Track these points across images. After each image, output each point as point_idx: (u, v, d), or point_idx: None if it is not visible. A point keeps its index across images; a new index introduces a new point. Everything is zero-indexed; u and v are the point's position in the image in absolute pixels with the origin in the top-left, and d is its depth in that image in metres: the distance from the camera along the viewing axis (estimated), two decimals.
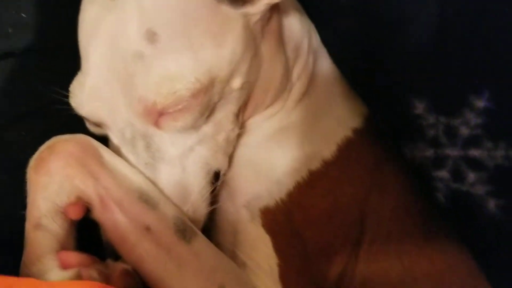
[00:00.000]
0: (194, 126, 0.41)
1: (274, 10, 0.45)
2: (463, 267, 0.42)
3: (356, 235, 0.45)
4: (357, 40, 0.46)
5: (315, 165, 0.45)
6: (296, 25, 0.49)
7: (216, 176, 0.44)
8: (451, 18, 0.38)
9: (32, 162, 0.38)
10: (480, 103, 0.36)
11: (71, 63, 0.42)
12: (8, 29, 0.46)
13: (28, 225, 0.37)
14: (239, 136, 0.47)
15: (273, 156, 0.47)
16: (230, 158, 0.47)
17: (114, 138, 0.41)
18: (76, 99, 0.41)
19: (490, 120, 0.36)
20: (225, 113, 0.43)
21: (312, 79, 0.50)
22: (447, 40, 0.38)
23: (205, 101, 0.39)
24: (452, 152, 0.38)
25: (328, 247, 0.44)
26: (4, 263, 0.35)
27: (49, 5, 0.49)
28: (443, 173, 0.39)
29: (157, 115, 0.39)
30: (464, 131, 0.37)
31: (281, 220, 0.44)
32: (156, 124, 0.39)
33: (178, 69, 0.37)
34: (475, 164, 0.37)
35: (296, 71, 0.49)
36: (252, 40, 0.42)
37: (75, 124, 0.43)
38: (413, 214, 0.45)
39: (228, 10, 0.39)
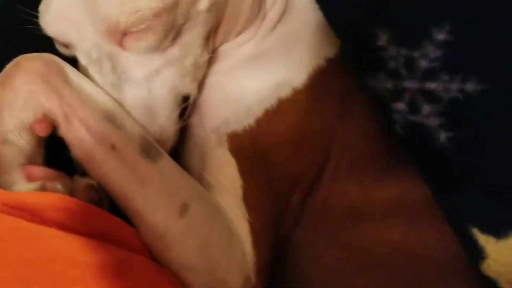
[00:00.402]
0: (159, 48, 0.41)
1: None
2: (418, 194, 0.43)
3: (322, 161, 0.46)
4: None
5: (285, 93, 0.46)
6: None
7: (185, 100, 0.45)
8: None
9: None
10: (441, 36, 0.36)
11: None
12: None
13: None
14: (210, 62, 0.48)
15: (244, 83, 0.47)
16: (201, 84, 0.47)
17: (82, 59, 0.42)
18: (44, 19, 0.41)
19: (448, 53, 0.36)
20: (192, 36, 0.43)
21: (287, 7, 0.49)
22: None
23: (169, 21, 0.39)
24: (411, 84, 0.38)
25: (292, 171, 0.46)
26: None
27: None
28: (401, 105, 0.39)
29: (120, 35, 0.39)
30: (423, 63, 0.37)
31: (247, 144, 0.45)
32: (121, 44, 0.39)
33: None
34: (431, 97, 0.37)
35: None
36: None
37: (46, 45, 0.43)
38: (377, 142, 0.46)
39: None
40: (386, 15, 0.39)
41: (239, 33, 0.48)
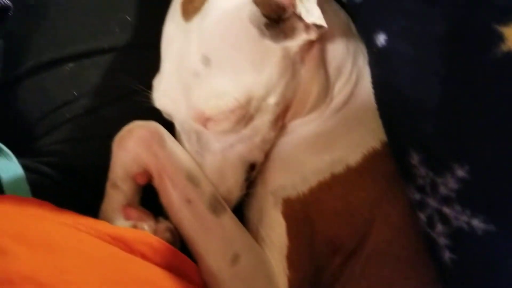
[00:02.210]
0: (233, 131, 0.51)
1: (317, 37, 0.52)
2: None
3: (363, 233, 0.51)
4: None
5: (339, 169, 0.52)
6: (340, 49, 0.55)
7: (252, 167, 0.55)
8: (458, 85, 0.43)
9: (116, 138, 0.52)
10: (460, 172, 0.41)
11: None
12: (115, 29, 0.60)
13: (108, 184, 0.52)
14: (278, 134, 0.56)
15: (304, 156, 0.55)
16: (268, 152, 0.56)
17: (177, 127, 0.54)
18: (154, 93, 0.54)
19: (463, 189, 0.41)
20: (261, 121, 0.52)
21: (352, 93, 0.56)
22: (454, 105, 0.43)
23: (241, 114, 0.50)
24: (432, 203, 0.44)
25: (335, 239, 0.52)
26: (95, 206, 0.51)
27: (151, 8, 0.61)
28: (422, 216, 0.45)
29: (205, 120, 0.50)
30: (443, 190, 0.43)
31: (298, 209, 0.53)
32: (204, 125, 0.51)
33: (222, 89, 0.48)
34: (444, 219, 0.43)
35: (337, 87, 0.55)
36: (291, 66, 0.51)
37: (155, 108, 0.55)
38: (413, 227, 0.50)
39: (269, 44, 0.48)
40: (420, 140, 0.45)
41: (306, 114, 0.56)
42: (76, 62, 0.58)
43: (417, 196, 0.47)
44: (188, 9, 0.51)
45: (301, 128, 0.57)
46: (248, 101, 0.49)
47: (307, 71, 0.53)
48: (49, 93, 0.57)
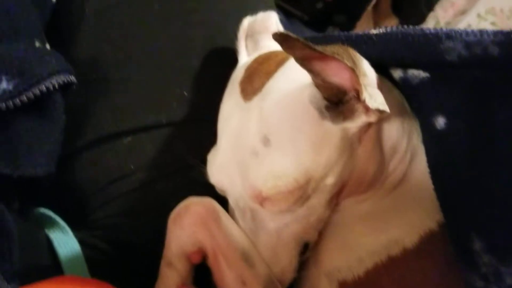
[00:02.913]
0: (289, 211, 0.51)
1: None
2: None
3: None
4: None
5: (395, 251, 0.51)
6: (396, 128, 0.55)
7: (306, 246, 0.54)
8: None
9: (172, 215, 0.52)
10: None
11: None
12: (173, 104, 0.62)
13: (162, 262, 0.52)
14: (331, 213, 0.55)
15: (359, 236, 0.53)
16: (321, 231, 0.55)
17: (231, 203, 0.54)
18: (209, 168, 0.54)
19: None
20: (318, 200, 0.52)
21: (406, 172, 0.55)
22: None
23: (299, 195, 0.49)
24: None
25: None
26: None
27: (206, 85, 0.63)
28: None
29: (261, 199, 0.50)
30: (509, 279, 0.41)
31: None
32: (261, 204, 0.51)
33: (282, 170, 0.48)
34: None
35: (392, 166, 0.55)
36: (349, 146, 0.51)
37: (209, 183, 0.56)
38: None
39: (329, 125, 0.49)
40: (484, 225, 0.44)
41: (361, 193, 0.55)
42: (133, 136, 0.59)
43: (480, 284, 0.45)
44: (247, 89, 0.52)
45: (355, 206, 0.56)
46: (307, 182, 0.49)
47: (364, 151, 0.53)
48: (106, 166, 0.59)
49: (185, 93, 0.62)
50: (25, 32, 0.56)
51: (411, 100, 0.56)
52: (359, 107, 0.49)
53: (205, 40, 0.64)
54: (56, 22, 0.63)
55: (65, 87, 0.55)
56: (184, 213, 0.52)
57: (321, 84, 0.47)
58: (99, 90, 0.62)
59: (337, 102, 0.49)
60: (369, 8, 1.00)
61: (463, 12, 0.97)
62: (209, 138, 0.55)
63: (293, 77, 0.50)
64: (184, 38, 0.64)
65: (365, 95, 0.46)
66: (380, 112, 0.48)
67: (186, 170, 0.57)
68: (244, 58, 0.60)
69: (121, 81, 0.62)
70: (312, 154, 0.49)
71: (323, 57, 0.43)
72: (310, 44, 0.41)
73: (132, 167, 0.58)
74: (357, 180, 0.54)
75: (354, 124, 0.50)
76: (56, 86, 0.52)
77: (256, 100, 0.51)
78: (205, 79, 0.63)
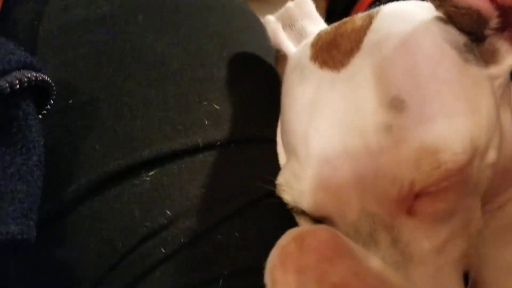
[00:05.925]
0: (446, 218, 0.33)
1: None
2: None
3: None
4: None
5: None
6: None
7: (465, 280, 0.35)
8: None
9: (275, 259, 0.31)
10: None
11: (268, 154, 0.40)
12: (204, 120, 0.42)
13: None
14: None
15: None
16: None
17: (347, 232, 0.34)
18: (292, 191, 0.35)
19: None
20: (475, 197, 0.35)
21: None
22: None
23: (468, 177, 0.32)
24: None
25: None
26: None
27: (242, 92, 0.46)
28: None
29: (412, 199, 0.32)
30: None
31: None
32: (408, 211, 0.32)
33: (438, 139, 0.31)
34: None
35: None
36: (497, 107, 0.36)
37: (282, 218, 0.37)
38: None
39: (475, 71, 0.34)
40: None
41: (499, 193, 0.39)
42: (157, 168, 0.38)
43: None
44: (334, 57, 0.36)
45: (495, 214, 0.39)
46: (474, 154, 0.32)
47: (505, 119, 0.37)
48: (121, 220, 0.37)
49: (216, 106, 0.43)
50: None
51: None
52: (503, 46, 0.35)
53: (221, 49, 0.48)
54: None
55: (39, 100, 0.35)
56: (298, 249, 0.31)
57: (454, 11, 0.34)
58: (90, 115, 0.41)
59: (477, 38, 0.35)
60: None
61: None
62: (264, 159, 0.41)
63: (404, 16, 0.36)
64: (196, 48, 0.47)
65: None
66: None
67: (252, 206, 0.38)
68: (291, 48, 0.45)
69: (119, 103, 0.42)
70: (469, 112, 0.33)
71: None
72: None
73: (169, 213, 0.36)
74: (501, 167, 0.37)
75: (499, 70, 0.35)
76: (25, 84, 0.32)
77: (358, 60, 0.34)
78: (235, 89, 0.45)
